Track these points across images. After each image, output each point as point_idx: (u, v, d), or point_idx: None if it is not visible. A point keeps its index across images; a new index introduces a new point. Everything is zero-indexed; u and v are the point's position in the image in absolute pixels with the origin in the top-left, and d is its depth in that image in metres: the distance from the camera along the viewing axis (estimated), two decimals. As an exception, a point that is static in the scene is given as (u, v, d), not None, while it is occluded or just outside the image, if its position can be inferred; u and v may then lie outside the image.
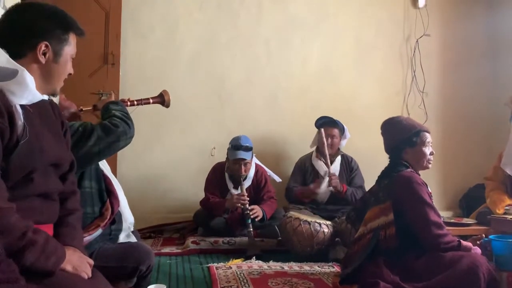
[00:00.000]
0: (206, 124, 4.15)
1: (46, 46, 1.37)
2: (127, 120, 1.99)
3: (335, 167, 3.66)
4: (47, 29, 1.38)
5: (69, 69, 1.46)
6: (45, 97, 1.45)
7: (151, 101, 2.39)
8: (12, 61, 1.31)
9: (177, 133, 4.10)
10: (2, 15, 1.43)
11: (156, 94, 2.43)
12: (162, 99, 2.42)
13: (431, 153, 2.28)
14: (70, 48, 1.44)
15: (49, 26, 1.39)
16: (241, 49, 4.23)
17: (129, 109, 2.18)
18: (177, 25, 4.14)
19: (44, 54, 1.37)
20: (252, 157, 3.50)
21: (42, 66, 1.38)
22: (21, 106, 1.31)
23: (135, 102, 2.32)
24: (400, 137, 2.26)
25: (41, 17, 1.39)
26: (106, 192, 2.05)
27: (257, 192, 3.56)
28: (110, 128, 1.91)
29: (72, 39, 1.45)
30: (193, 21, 4.17)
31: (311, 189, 3.51)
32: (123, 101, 2.26)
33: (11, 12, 1.41)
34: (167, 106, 2.43)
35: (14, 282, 1.05)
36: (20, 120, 1.29)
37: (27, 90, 1.31)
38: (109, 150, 1.93)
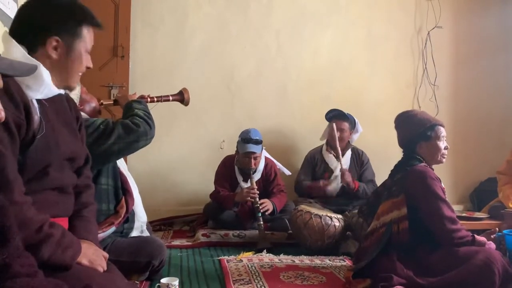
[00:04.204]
0: (215, 117, 4.14)
1: (57, 41, 1.34)
2: (148, 120, 2.00)
3: (345, 160, 3.64)
4: (58, 23, 1.34)
5: (86, 63, 1.42)
6: (61, 91, 1.44)
7: (170, 98, 2.41)
8: (28, 56, 1.30)
9: (187, 125, 4.10)
10: (18, 10, 1.41)
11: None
12: (181, 97, 2.43)
13: (446, 148, 2.26)
14: (84, 42, 1.39)
15: (59, 20, 1.34)
16: (251, 41, 4.20)
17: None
18: (186, 17, 4.12)
19: (56, 49, 1.34)
20: (261, 150, 3.48)
21: (55, 61, 1.35)
22: (37, 100, 1.31)
23: (155, 99, 2.33)
24: (415, 131, 2.24)
25: (51, 11, 1.34)
26: (122, 190, 2.05)
27: (267, 185, 3.55)
28: (131, 127, 1.92)
29: (87, 32, 1.40)
30: (203, 12, 4.14)
31: (321, 186, 3.48)
32: (142, 97, 2.27)
33: (23, 7, 1.39)
34: (186, 104, 2.45)
35: (33, 276, 1.05)
36: (36, 114, 1.29)
37: (43, 85, 1.30)
38: (129, 149, 1.95)
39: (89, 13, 1.41)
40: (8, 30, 1.39)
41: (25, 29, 1.34)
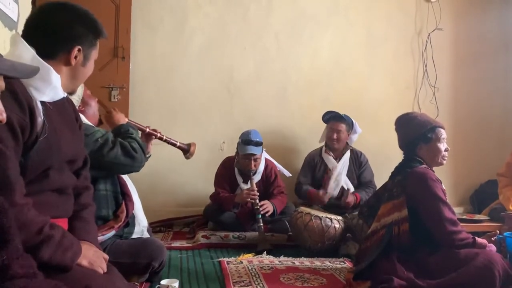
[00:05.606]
0: (215, 118, 4.14)
1: (79, 50, 1.40)
2: (143, 149, 2.06)
3: (344, 162, 3.63)
4: (82, 34, 1.40)
5: (92, 69, 1.50)
6: (65, 94, 1.45)
7: (177, 144, 2.50)
8: (38, 58, 1.31)
9: (187, 126, 4.09)
10: (35, 13, 1.42)
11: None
12: (188, 148, 2.52)
13: (446, 149, 2.26)
14: (96, 52, 1.48)
15: (84, 31, 1.41)
16: (250, 42, 4.20)
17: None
18: (186, 18, 4.12)
19: (76, 57, 1.40)
20: (262, 152, 3.48)
21: (71, 68, 1.41)
22: (41, 102, 1.31)
23: (164, 137, 2.42)
24: (415, 133, 2.23)
25: (77, 22, 1.40)
26: (121, 195, 2.05)
27: (267, 187, 3.54)
28: (129, 151, 1.96)
29: (98, 43, 1.48)
30: (203, 13, 4.14)
31: (320, 196, 3.47)
32: (155, 130, 2.33)
33: (46, 11, 1.40)
34: (188, 157, 2.52)
35: (33, 277, 1.04)
36: (40, 116, 1.29)
37: (50, 87, 1.32)
38: (119, 170, 2.01)
39: (102, 25, 1.48)
40: (13, 32, 1.40)
41: (49, 35, 1.37)
